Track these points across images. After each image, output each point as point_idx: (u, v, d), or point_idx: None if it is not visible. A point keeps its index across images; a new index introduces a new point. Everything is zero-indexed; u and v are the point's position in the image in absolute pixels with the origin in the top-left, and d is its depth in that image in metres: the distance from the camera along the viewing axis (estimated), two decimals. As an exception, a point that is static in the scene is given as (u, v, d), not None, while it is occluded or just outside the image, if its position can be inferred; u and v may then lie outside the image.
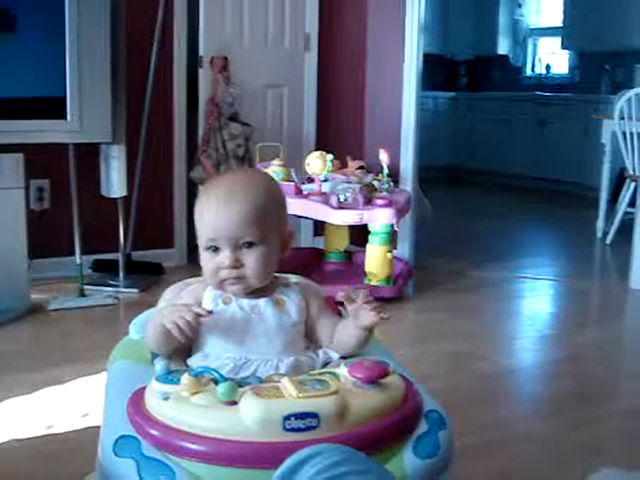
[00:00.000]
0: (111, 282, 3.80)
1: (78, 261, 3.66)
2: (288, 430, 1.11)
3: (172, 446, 1.13)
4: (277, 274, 1.47)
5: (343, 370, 1.24)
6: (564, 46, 8.44)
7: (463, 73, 9.74)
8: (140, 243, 4.14)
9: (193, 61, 4.34)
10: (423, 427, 1.23)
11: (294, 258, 4.01)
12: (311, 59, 4.71)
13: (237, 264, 1.36)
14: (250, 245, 1.37)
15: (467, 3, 9.25)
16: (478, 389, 2.69)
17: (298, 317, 1.41)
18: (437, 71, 9.36)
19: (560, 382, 2.83)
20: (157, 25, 3.99)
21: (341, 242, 4.17)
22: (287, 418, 1.11)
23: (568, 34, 8.28)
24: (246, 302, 1.40)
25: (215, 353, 1.36)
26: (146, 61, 3.99)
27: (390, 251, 3.68)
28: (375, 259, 3.66)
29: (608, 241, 5.31)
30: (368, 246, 3.68)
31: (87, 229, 3.75)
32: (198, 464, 1.11)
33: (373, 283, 3.65)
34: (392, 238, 3.72)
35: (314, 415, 1.11)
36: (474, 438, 2.20)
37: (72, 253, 3.68)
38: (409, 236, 4.42)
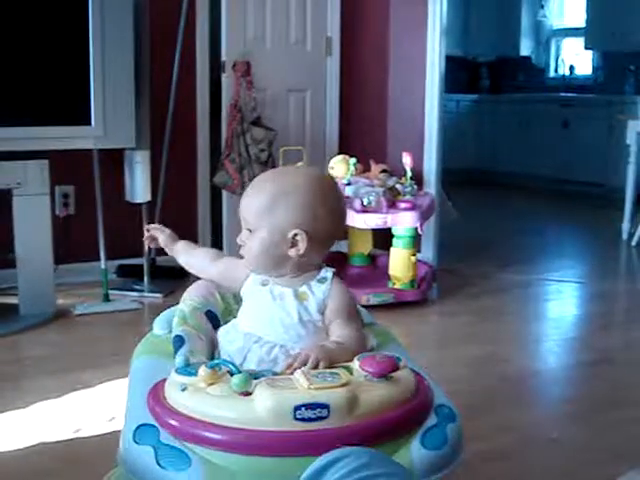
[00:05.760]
0: (136, 287, 3.83)
1: (103, 266, 3.68)
2: (299, 420, 1.15)
3: (188, 434, 1.17)
4: (318, 268, 1.51)
5: (355, 364, 1.28)
6: (587, 46, 8.37)
7: (485, 75, 9.69)
8: (164, 248, 4.16)
9: (216, 66, 4.36)
10: (432, 420, 1.26)
11: (318, 262, 4.01)
12: (333, 62, 4.72)
13: (241, 243, 1.49)
14: (249, 231, 1.47)
15: (489, 4, 9.20)
16: (502, 392, 2.68)
17: (316, 315, 1.45)
18: (459, 73, 9.32)
19: (586, 385, 2.81)
20: (179, 30, 4.01)
21: (365, 246, 4.17)
22: (298, 408, 1.15)
23: (591, 34, 8.21)
24: (277, 289, 1.46)
25: (240, 325, 1.46)
26: (169, 67, 4.00)
27: (414, 254, 3.67)
28: (399, 262, 3.65)
29: (634, 243, 5.26)
30: (392, 249, 3.67)
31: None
32: (213, 451, 1.15)
33: (397, 286, 3.65)
34: (416, 241, 3.71)
35: (324, 406, 1.15)
36: (498, 440, 2.19)
37: (97, 258, 3.71)
38: (433, 239, 4.42)
